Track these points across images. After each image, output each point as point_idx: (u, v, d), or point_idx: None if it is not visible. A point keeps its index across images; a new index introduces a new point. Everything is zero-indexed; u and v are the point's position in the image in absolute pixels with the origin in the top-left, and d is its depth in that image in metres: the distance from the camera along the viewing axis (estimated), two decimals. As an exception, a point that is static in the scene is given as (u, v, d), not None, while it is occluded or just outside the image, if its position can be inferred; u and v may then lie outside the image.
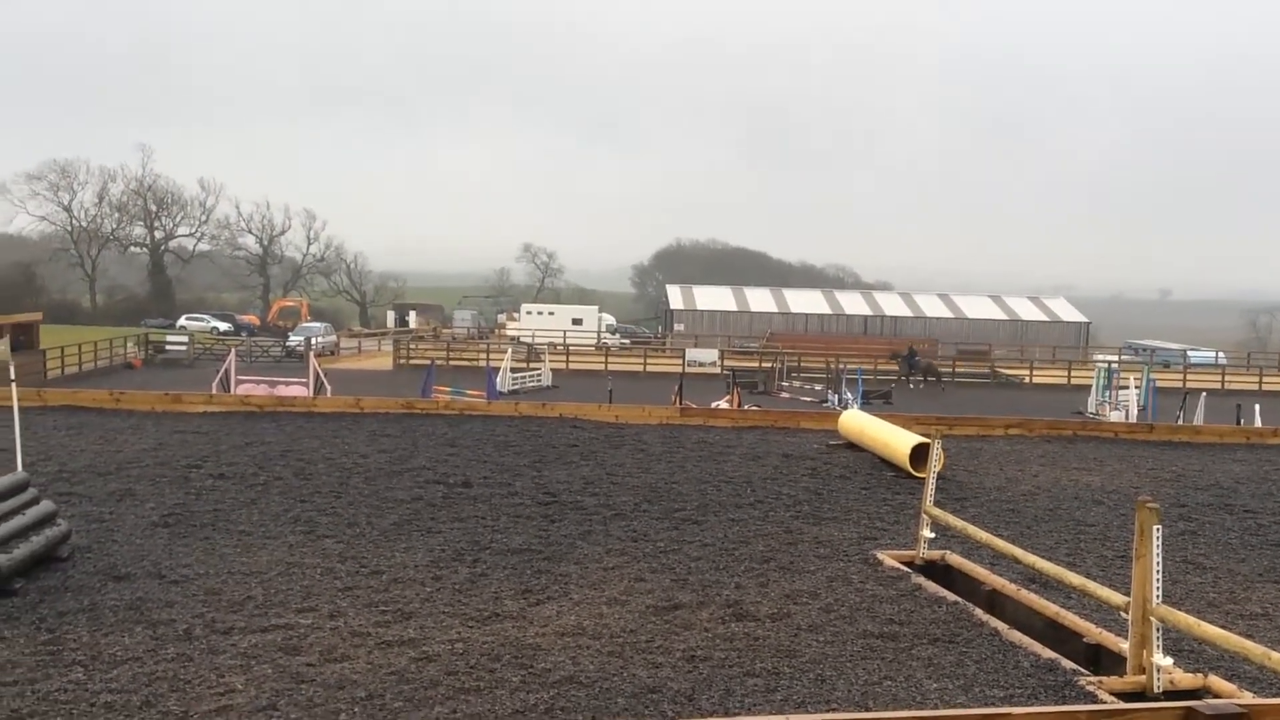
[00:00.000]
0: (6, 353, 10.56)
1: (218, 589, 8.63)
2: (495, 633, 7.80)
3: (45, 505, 9.48)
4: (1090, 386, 37.47)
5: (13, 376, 10.85)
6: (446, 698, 6.53)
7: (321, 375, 28.44)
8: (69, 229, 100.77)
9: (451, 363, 53.52)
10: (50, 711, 6.12)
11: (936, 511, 10.31)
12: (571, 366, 54.79)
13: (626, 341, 77.09)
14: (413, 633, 7.72)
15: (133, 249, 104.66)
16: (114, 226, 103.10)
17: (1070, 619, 8.41)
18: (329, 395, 23.99)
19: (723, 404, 31.05)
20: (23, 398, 14.56)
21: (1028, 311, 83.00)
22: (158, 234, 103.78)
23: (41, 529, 9.07)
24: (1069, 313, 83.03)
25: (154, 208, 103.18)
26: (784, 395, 44.20)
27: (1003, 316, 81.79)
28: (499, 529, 11.09)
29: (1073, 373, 54.79)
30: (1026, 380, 55.39)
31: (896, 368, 47.15)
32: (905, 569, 10.00)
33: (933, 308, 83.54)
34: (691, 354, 58.43)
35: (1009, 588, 9.28)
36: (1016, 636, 8.06)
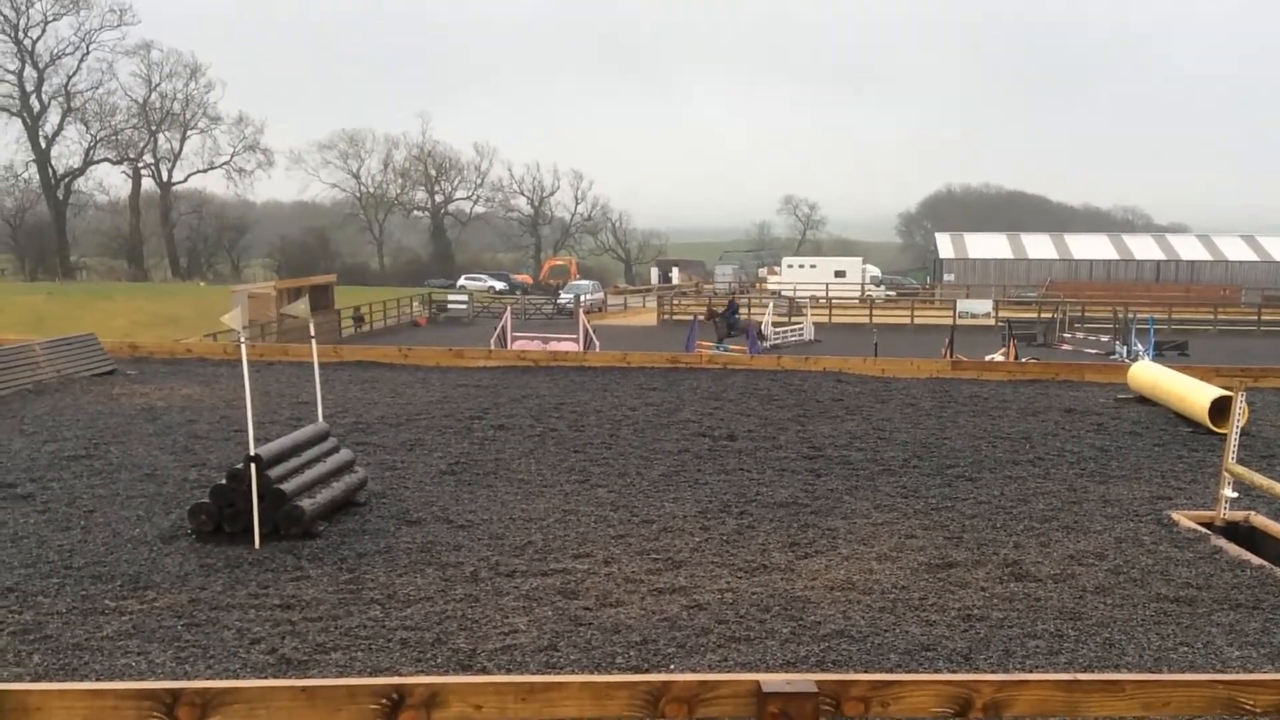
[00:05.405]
0: (307, 312, 11.35)
1: (500, 534, 9.04)
2: (764, 584, 7.80)
3: (344, 454, 10.20)
4: None
5: (312, 334, 11.65)
6: (718, 645, 6.59)
7: (591, 331, 29.33)
8: (358, 195, 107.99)
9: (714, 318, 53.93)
10: (351, 646, 6.55)
11: (1240, 469, 9.51)
12: (834, 320, 54.12)
13: (892, 293, 75.33)
14: (683, 581, 7.83)
15: (415, 213, 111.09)
16: (398, 192, 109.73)
17: (1401, 590, 7.59)
18: (598, 350, 24.67)
19: (998, 357, 29.87)
20: (321, 354, 15.70)
21: (1347, 252, 75.35)
22: (438, 198, 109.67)
23: (341, 476, 9.76)
24: (1396, 252, 74.79)
25: (434, 173, 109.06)
26: (1066, 347, 42.13)
27: (1315, 259, 74.61)
28: (764, 482, 11.07)
29: (1399, 319, 49.45)
30: (1344, 328, 50.48)
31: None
32: (1204, 530, 9.30)
33: (1235, 250, 77.09)
34: (963, 305, 56.43)
35: (1326, 553, 8.48)
36: (1334, 606, 7.35)
